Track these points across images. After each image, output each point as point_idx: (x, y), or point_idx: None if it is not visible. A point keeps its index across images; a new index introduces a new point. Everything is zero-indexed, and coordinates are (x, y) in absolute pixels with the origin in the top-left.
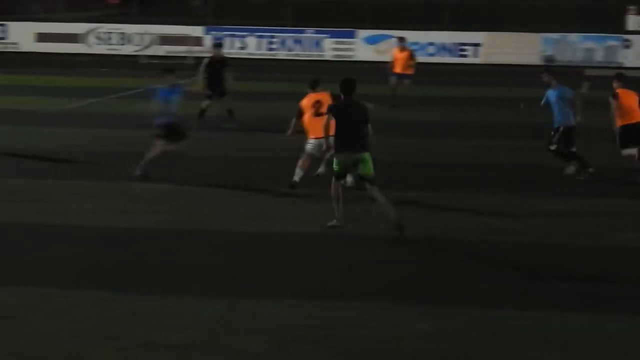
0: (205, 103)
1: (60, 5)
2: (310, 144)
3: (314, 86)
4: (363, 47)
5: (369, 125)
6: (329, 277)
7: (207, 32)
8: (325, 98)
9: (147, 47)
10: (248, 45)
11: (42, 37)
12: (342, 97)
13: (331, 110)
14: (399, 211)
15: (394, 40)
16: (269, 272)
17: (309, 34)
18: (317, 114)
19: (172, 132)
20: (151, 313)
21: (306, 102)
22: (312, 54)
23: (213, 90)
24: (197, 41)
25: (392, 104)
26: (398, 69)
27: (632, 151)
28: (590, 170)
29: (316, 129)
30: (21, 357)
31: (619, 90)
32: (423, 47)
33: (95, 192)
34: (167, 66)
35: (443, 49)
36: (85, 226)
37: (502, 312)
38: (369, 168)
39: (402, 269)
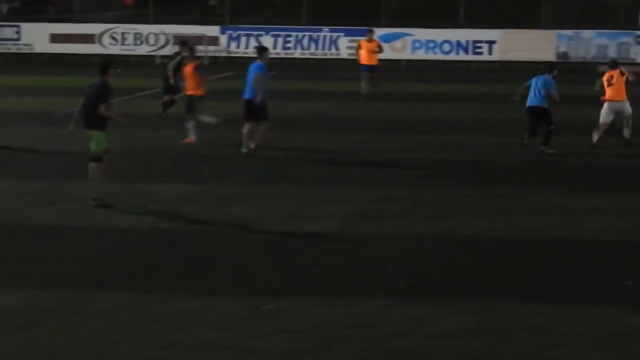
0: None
1: (75, 6)
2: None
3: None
4: (381, 46)
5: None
6: (354, 276)
7: (223, 31)
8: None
9: (162, 47)
10: (263, 44)
11: (57, 38)
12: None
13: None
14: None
15: (410, 38)
16: (292, 271)
17: (325, 32)
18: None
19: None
20: (173, 314)
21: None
22: (327, 53)
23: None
24: (213, 40)
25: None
26: (365, 61)
27: None
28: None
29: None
30: None
31: None
32: (439, 44)
33: (116, 193)
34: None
35: (458, 46)
36: (107, 227)
37: (544, 308)
38: (92, 144)
39: (431, 265)
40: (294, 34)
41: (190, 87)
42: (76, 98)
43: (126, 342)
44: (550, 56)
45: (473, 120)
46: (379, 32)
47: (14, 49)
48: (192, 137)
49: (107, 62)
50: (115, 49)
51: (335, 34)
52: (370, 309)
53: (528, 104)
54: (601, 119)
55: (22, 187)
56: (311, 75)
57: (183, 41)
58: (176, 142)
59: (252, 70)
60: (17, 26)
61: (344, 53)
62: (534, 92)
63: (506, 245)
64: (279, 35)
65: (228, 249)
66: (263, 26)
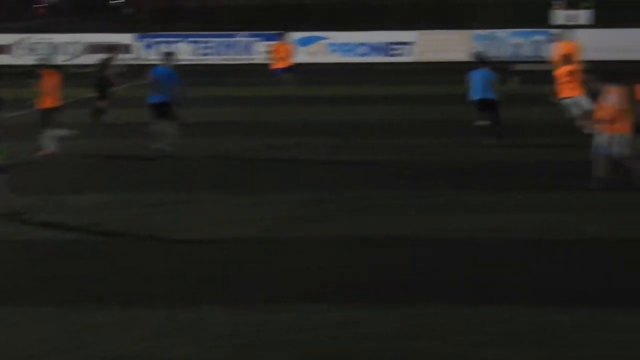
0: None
1: None
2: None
3: None
4: (295, 49)
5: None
6: (278, 281)
7: (139, 39)
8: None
9: (77, 56)
10: (180, 51)
11: None
12: None
13: None
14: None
15: (326, 41)
16: (215, 278)
17: (240, 37)
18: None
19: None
20: (93, 326)
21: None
22: (244, 58)
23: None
24: (128, 49)
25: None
26: (280, 64)
27: None
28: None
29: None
30: None
31: None
32: (355, 47)
33: (31, 205)
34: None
35: (375, 48)
36: (23, 240)
37: (475, 308)
38: None
39: (359, 267)
40: (210, 39)
41: (47, 99)
42: None
43: (47, 355)
44: (467, 56)
45: (393, 122)
46: (294, 36)
47: None
48: (49, 148)
49: None
50: (29, 60)
51: (251, 39)
52: (296, 314)
53: (478, 97)
54: (577, 111)
55: None
56: (228, 81)
57: (112, 47)
58: (94, 151)
59: (167, 76)
60: None
61: (261, 57)
62: (482, 85)
63: (435, 245)
64: (195, 42)
65: (148, 258)
66: (179, 33)
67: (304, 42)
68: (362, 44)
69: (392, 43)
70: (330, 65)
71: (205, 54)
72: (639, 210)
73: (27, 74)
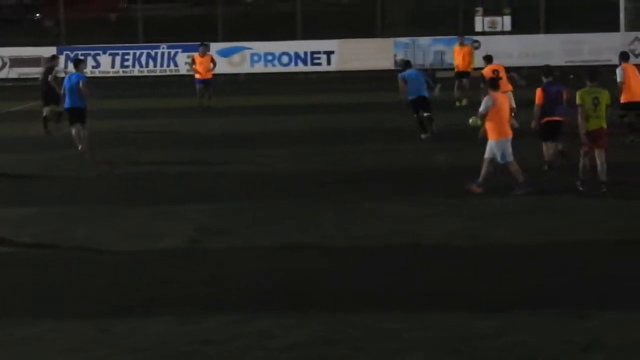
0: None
1: None
2: None
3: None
4: (217, 60)
5: None
6: (201, 291)
7: (60, 52)
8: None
9: None
10: (101, 63)
11: None
12: None
13: None
14: None
15: (248, 51)
16: (140, 289)
17: (162, 49)
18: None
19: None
20: (20, 339)
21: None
22: (166, 69)
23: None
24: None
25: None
26: (199, 75)
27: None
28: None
29: None
30: None
31: None
32: (277, 57)
33: None
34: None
35: (297, 58)
36: None
37: (394, 316)
38: None
39: (279, 277)
40: (131, 51)
41: None
42: None
43: None
44: (388, 64)
45: (316, 131)
46: (216, 46)
47: None
48: None
49: None
50: None
51: (173, 51)
52: (218, 324)
53: (417, 94)
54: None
55: None
56: (151, 93)
57: (53, 56)
58: (20, 163)
59: (74, 80)
60: None
61: (183, 69)
62: (422, 84)
63: (353, 254)
64: (117, 54)
65: (74, 270)
66: (100, 45)
67: (226, 52)
68: (285, 54)
69: (313, 52)
70: (253, 75)
71: (127, 66)
72: (550, 215)
73: None
